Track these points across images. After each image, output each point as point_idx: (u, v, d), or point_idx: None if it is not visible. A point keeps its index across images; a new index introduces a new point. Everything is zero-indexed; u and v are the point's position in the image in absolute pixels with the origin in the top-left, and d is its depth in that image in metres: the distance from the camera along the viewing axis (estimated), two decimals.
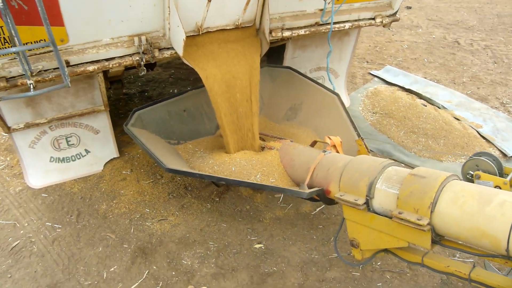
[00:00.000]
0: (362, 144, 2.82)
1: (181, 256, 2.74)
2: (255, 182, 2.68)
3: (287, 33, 3.34)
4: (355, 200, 2.16)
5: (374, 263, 2.67)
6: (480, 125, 4.15)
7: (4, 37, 2.47)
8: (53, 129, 3.31)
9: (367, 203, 2.15)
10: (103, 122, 3.48)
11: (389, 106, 4.40)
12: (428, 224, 1.89)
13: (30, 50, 2.58)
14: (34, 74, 2.60)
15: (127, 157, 3.72)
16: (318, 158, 2.56)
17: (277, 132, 3.51)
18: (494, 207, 1.74)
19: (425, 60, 6.09)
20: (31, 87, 2.53)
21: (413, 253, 2.20)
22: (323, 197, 2.44)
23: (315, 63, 4.24)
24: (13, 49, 2.25)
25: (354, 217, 2.26)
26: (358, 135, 2.95)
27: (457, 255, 2.75)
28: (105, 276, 2.62)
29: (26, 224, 3.05)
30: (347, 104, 4.58)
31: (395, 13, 3.79)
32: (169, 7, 2.77)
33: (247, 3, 2.91)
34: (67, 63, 2.69)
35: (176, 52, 2.97)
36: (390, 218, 2.05)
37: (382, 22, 3.72)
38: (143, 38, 2.89)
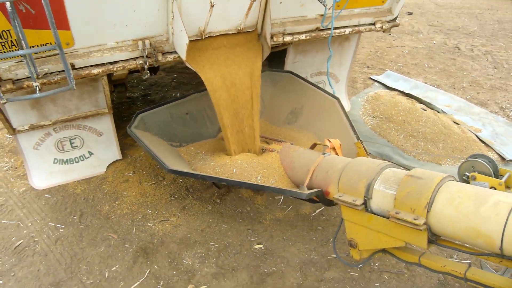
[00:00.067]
0: (361, 146, 2.87)
1: (182, 256, 2.78)
2: (255, 183, 2.72)
3: (288, 38, 3.40)
4: (354, 201, 2.21)
5: (372, 263, 2.71)
6: (479, 129, 4.20)
7: (11, 40, 2.54)
8: (57, 131, 3.37)
9: (365, 204, 2.19)
10: (107, 124, 3.53)
11: (389, 110, 4.44)
12: (425, 223, 1.93)
13: (37, 53, 2.64)
14: (40, 76, 2.66)
15: (129, 159, 3.77)
16: (318, 160, 2.60)
17: (278, 136, 3.56)
18: (489, 208, 1.78)
19: (426, 65, 6.14)
20: (37, 89, 2.58)
21: (410, 253, 2.24)
22: (322, 198, 2.48)
23: (315, 67, 4.29)
24: (21, 52, 2.31)
25: (352, 218, 2.30)
26: (357, 138, 2.99)
27: (455, 256, 2.79)
28: (107, 275, 2.66)
29: (30, 224, 3.10)
30: (347, 108, 4.63)
31: (395, 18, 3.83)
32: (172, 12, 2.82)
33: (249, 9, 2.96)
34: (73, 66, 2.74)
35: (179, 56, 3.03)
36: (388, 218, 2.09)
37: (382, 27, 3.77)
38: (147, 42, 2.94)
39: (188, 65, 2.99)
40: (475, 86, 5.41)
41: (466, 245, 2.02)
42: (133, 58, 2.96)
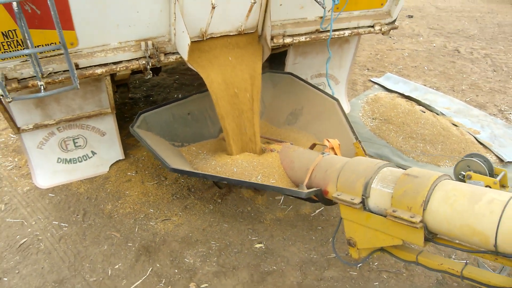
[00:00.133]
0: (359, 146, 2.91)
1: (184, 254, 2.82)
2: (256, 182, 2.76)
3: (288, 40, 3.44)
4: (352, 200, 2.24)
5: (371, 263, 2.75)
6: (478, 131, 4.24)
7: (17, 40, 2.59)
8: (61, 131, 3.41)
9: (363, 202, 2.23)
10: (110, 124, 3.58)
11: (389, 112, 4.49)
12: (421, 221, 1.97)
13: (41, 52, 2.69)
14: (44, 76, 2.71)
15: (132, 159, 3.82)
16: (317, 160, 2.65)
17: (278, 136, 3.60)
18: (483, 205, 1.82)
19: (425, 68, 6.18)
20: (42, 88, 2.63)
21: (407, 252, 2.28)
22: (321, 198, 2.52)
23: (315, 69, 4.33)
24: (26, 51, 2.36)
25: (351, 216, 2.34)
26: (356, 138, 3.03)
27: (453, 256, 2.82)
28: (109, 273, 2.70)
29: (34, 222, 3.14)
30: (347, 110, 4.67)
31: (394, 21, 3.88)
32: (175, 13, 2.87)
33: (250, 10, 3.01)
34: (76, 65, 2.79)
35: (181, 57, 3.08)
36: (385, 216, 2.13)
37: (381, 29, 3.81)
38: (149, 42, 2.99)
39: (189, 65, 3.04)
40: (474, 89, 5.45)
41: (462, 243, 2.05)
42: (136, 58, 3.00)
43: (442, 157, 3.80)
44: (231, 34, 3.22)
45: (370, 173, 2.25)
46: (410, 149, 3.95)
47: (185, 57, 2.99)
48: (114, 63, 2.95)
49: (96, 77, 3.02)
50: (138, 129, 3.16)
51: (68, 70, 2.69)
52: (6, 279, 2.67)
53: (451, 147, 3.91)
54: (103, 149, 3.67)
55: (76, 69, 2.79)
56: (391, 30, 3.93)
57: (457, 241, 2.07)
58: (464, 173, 2.23)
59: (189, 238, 2.95)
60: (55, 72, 2.78)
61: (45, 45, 2.66)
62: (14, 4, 2.19)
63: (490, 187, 2.13)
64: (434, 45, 7.24)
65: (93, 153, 3.63)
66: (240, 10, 3.07)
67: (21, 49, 2.59)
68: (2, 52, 2.57)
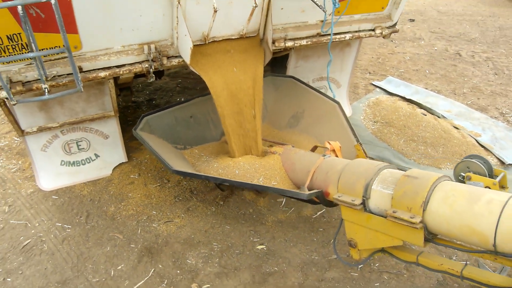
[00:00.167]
0: (360, 149, 2.93)
1: (186, 256, 2.84)
2: (257, 184, 2.79)
3: (289, 43, 3.48)
4: (352, 201, 2.27)
5: (372, 264, 2.76)
6: (479, 134, 4.25)
7: (21, 43, 2.63)
8: (64, 133, 3.45)
9: (364, 204, 2.25)
10: (113, 127, 3.61)
11: (390, 115, 4.51)
12: (421, 222, 1.98)
13: (46, 56, 2.73)
14: (49, 79, 2.75)
15: (135, 162, 3.85)
16: (318, 162, 2.67)
17: (280, 139, 3.62)
18: (482, 205, 1.83)
19: (427, 71, 6.20)
20: (46, 91, 2.67)
21: (408, 253, 2.29)
22: (322, 199, 2.54)
23: (317, 73, 4.36)
24: (31, 54, 2.40)
25: (351, 218, 2.35)
26: (357, 140, 3.05)
27: (454, 257, 2.83)
28: (112, 273, 2.73)
29: (37, 224, 3.17)
30: (349, 113, 4.69)
31: (395, 24, 3.91)
32: (177, 17, 2.91)
33: (251, 14, 3.04)
34: (80, 69, 2.83)
35: (183, 60, 3.11)
36: (385, 217, 2.15)
37: (381, 33, 3.84)
38: (152, 46, 3.03)
39: (192, 68, 3.07)
40: (475, 92, 5.47)
41: (462, 243, 2.06)
42: (139, 61, 3.04)
43: (443, 159, 3.82)
44: (233, 37, 3.25)
45: (370, 175, 2.27)
46: (411, 151, 3.96)
47: (188, 60, 3.02)
48: (118, 67, 2.99)
49: (99, 80, 3.06)
50: (141, 132, 3.19)
51: (71, 73, 2.74)
52: (9, 279, 2.69)
53: (452, 149, 3.92)
54: (106, 152, 3.70)
55: (80, 72, 2.83)
56: (392, 34, 3.96)
57: (456, 242, 2.08)
58: (463, 174, 2.24)
59: (191, 239, 2.97)
60: (59, 75, 2.82)
61: (49, 48, 2.70)
62: (19, 7, 2.23)
63: (490, 188, 2.15)
64: (436, 48, 7.26)
65: (96, 155, 3.66)
66: (242, 14, 3.10)
67: (25, 52, 2.62)
68: (7, 55, 2.61)
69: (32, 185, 3.58)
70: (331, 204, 2.59)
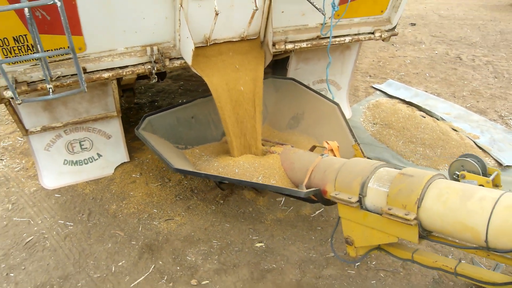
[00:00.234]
0: (358, 148, 2.98)
1: (186, 252, 2.89)
2: (256, 182, 2.84)
3: (290, 46, 3.53)
4: (349, 198, 2.31)
5: (369, 262, 2.80)
6: (477, 136, 4.29)
7: (27, 45, 2.69)
8: (67, 133, 3.51)
9: (360, 201, 2.29)
10: (115, 127, 3.67)
11: (389, 117, 4.55)
12: (415, 219, 2.03)
13: (50, 57, 2.80)
14: (53, 79, 2.81)
15: (137, 162, 3.91)
16: (316, 161, 2.72)
17: (280, 140, 3.67)
18: (475, 202, 1.88)
19: (427, 74, 6.25)
20: (50, 91, 2.73)
21: (403, 250, 2.34)
22: (320, 197, 2.58)
23: (317, 75, 4.42)
24: (37, 55, 2.46)
25: (348, 215, 2.40)
26: (355, 140, 3.10)
27: (450, 256, 2.87)
28: (113, 269, 2.78)
29: (40, 221, 3.22)
30: (349, 115, 4.74)
31: (394, 27, 3.97)
32: (179, 19, 2.97)
33: (252, 17, 3.10)
34: (84, 70, 2.89)
35: (185, 62, 3.17)
36: (381, 215, 2.19)
37: (381, 36, 3.90)
38: (155, 48, 3.09)
39: (194, 70, 3.13)
40: (475, 95, 5.51)
41: (455, 240, 2.11)
42: (142, 63, 3.10)
43: (441, 160, 3.86)
44: (234, 40, 3.32)
45: (367, 173, 2.31)
46: (410, 153, 4.01)
47: (189, 62, 3.08)
48: (121, 68, 3.05)
49: (103, 81, 3.12)
50: (143, 132, 3.25)
51: (76, 74, 2.80)
52: (12, 274, 2.75)
53: (451, 151, 3.97)
54: (108, 152, 3.76)
55: (84, 73, 2.90)
56: (393, 38, 4.02)
57: (450, 238, 2.13)
58: (458, 173, 2.29)
59: (191, 237, 3.02)
60: (63, 76, 2.89)
61: (54, 49, 2.76)
62: (26, 9, 2.30)
63: (483, 186, 2.19)
64: (436, 52, 7.31)
65: (99, 155, 3.72)
66: (243, 17, 3.16)
67: (31, 54, 2.68)
68: (13, 56, 2.68)
69: (35, 184, 3.64)
70: (329, 202, 2.63)
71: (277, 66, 4.40)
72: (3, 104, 4.98)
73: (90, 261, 2.85)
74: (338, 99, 4.45)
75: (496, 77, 6.14)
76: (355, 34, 3.84)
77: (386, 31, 3.96)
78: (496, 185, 2.22)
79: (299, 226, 3.14)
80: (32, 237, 3.07)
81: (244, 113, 3.26)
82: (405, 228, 2.10)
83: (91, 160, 3.71)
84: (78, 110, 3.43)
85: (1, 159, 4.04)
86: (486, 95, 5.51)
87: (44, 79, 2.74)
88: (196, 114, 3.68)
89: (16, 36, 2.65)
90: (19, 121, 3.24)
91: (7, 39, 2.64)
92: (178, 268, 2.77)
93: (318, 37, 3.65)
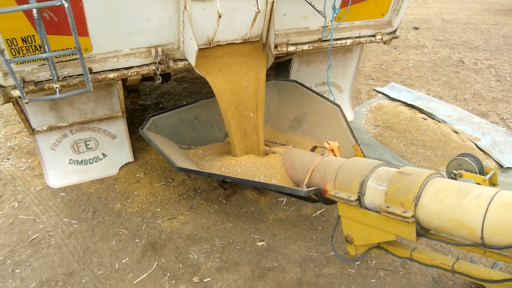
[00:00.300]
0: (358, 149, 3.02)
1: (188, 251, 2.94)
2: (258, 181, 2.88)
3: (291, 48, 3.59)
4: (348, 197, 2.35)
5: (369, 261, 2.83)
6: (479, 138, 4.32)
7: (35, 45, 2.76)
8: (73, 133, 3.57)
9: (359, 200, 2.33)
10: (120, 128, 3.73)
11: (391, 119, 4.59)
12: (412, 216, 2.06)
13: (57, 57, 2.86)
14: (60, 79, 2.88)
15: (141, 162, 3.96)
16: (317, 161, 2.76)
17: (282, 141, 3.72)
18: (471, 200, 1.91)
19: (429, 78, 6.29)
20: (57, 90, 2.80)
21: (402, 248, 2.37)
22: (320, 196, 2.62)
23: (319, 78, 4.46)
24: (44, 55, 2.53)
25: (348, 214, 2.44)
26: (356, 141, 3.14)
27: (449, 256, 2.90)
28: (117, 266, 2.82)
29: (45, 219, 3.28)
30: (351, 118, 4.79)
31: (395, 30, 4.01)
32: (183, 21, 3.03)
33: (254, 20, 3.16)
34: (90, 70, 2.95)
35: (189, 63, 3.23)
36: (380, 213, 2.23)
37: (382, 39, 3.94)
38: (159, 49, 3.15)
39: (197, 71, 3.19)
40: (477, 98, 5.54)
41: (452, 237, 2.14)
42: (146, 64, 3.16)
43: (442, 162, 3.89)
44: (237, 42, 3.37)
45: (366, 172, 2.36)
46: (411, 154, 4.04)
47: (193, 63, 3.14)
48: (126, 68, 3.11)
49: (108, 81, 3.18)
50: (148, 132, 3.30)
51: (82, 74, 2.86)
52: (18, 270, 2.80)
53: (451, 153, 4.00)
54: (113, 152, 3.81)
55: (90, 73, 2.96)
56: (396, 41, 4.06)
57: (447, 236, 2.16)
58: (455, 172, 2.32)
59: (194, 235, 3.07)
60: (69, 76, 2.95)
61: (61, 50, 2.83)
62: (34, 10, 2.37)
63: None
64: (439, 56, 7.35)
65: (104, 155, 3.78)
66: (245, 19, 3.22)
67: (39, 54, 2.75)
68: (21, 56, 2.75)
69: (41, 183, 3.70)
70: (329, 201, 2.67)
71: (280, 68, 4.45)
72: (10, 105, 5.08)
73: (94, 258, 2.89)
74: (340, 102, 4.49)
75: (498, 81, 6.16)
76: (356, 37, 3.88)
77: (387, 34, 4.00)
78: (493, 184, 2.25)
79: (300, 226, 3.18)
80: (37, 235, 3.12)
81: (246, 113, 3.31)
82: (403, 225, 2.14)
83: (96, 160, 3.77)
84: (84, 110, 3.49)
85: (7, 158, 4.11)
86: (488, 98, 5.54)
87: (51, 79, 2.80)
88: (200, 115, 3.73)
89: (24, 37, 2.72)
90: (26, 120, 3.30)
91: (15, 40, 2.71)
92: (180, 265, 2.81)
93: (320, 40, 3.70)
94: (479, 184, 2.22)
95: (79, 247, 3.00)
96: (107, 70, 3.04)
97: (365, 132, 4.50)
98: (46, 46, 2.56)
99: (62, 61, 2.92)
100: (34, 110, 3.30)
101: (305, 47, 3.65)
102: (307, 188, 2.68)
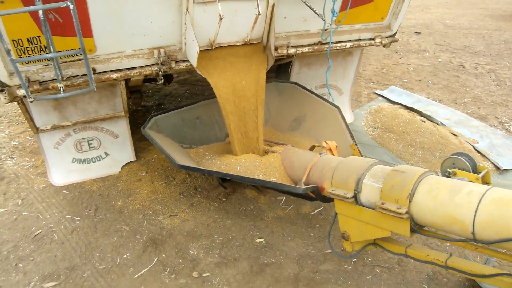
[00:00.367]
0: (356, 148, 3.08)
1: (188, 247, 2.99)
2: (257, 178, 2.94)
3: (292, 50, 3.65)
4: (345, 194, 2.41)
5: (365, 258, 2.88)
6: (477, 141, 4.36)
7: (40, 46, 2.84)
8: (76, 132, 3.64)
9: (355, 197, 2.39)
10: (123, 127, 3.80)
11: (390, 121, 4.65)
12: (407, 212, 2.12)
13: (62, 58, 2.93)
14: (64, 79, 2.95)
15: (143, 161, 4.03)
16: (314, 160, 2.82)
17: (282, 141, 3.77)
18: (462, 196, 1.97)
19: (429, 81, 6.34)
20: (61, 90, 2.87)
21: (397, 245, 2.42)
22: (318, 194, 2.68)
23: (319, 80, 4.52)
24: (50, 55, 2.60)
25: (344, 211, 2.49)
26: (353, 140, 3.20)
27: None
28: (118, 261, 2.88)
29: (48, 216, 3.34)
30: (350, 120, 4.84)
31: (394, 34, 4.07)
32: (185, 24, 3.10)
33: (255, 22, 3.23)
34: (94, 70, 3.03)
35: (191, 64, 3.30)
36: (375, 209, 2.28)
37: (381, 42, 4.00)
38: (161, 50, 3.22)
39: (198, 72, 3.26)
40: (476, 102, 5.59)
41: (445, 233, 2.19)
42: (149, 65, 3.23)
43: (439, 163, 3.93)
44: (238, 44, 3.44)
45: (362, 170, 2.41)
46: (409, 156, 4.09)
47: (194, 64, 3.20)
48: (129, 69, 3.19)
49: (111, 81, 3.25)
50: (149, 131, 3.37)
51: (86, 74, 2.94)
52: (21, 265, 2.86)
53: (449, 154, 4.03)
54: (115, 151, 3.88)
55: (94, 73, 3.03)
56: (397, 46, 4.12)
57: (440, 232, 2.21)
58: (449, 170, 2.37)
59: (194, 232, 3.13)
60: (73, 76, 3.02)
61: (66, 50, 2.90)
62: (40, 12, 2.44)
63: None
64: (440, 60, 7.40)
65: (106, 154, 3.85)
66: (246, 22, 3.29)
67: (44, 54, 2.83)
68: (27, 56, 2.82)
69: (44, 181, 3.76)
70: (326, 199, 2.72)
71: (280, 70, 4.52)
72: (14, 105, 5.17)
73: (96, 253, 2.95)
74: (340, 104, 4.54)
75: (498, 85, 6.21)
76: (356, 40, 3.95)
77: (387, 37, 4.06)
78: (486, 182, 2.31)
79: (298, 224, 3.23)
80: (40, 231, 3.19)
81: (246, 113, 3.37)
82: (397, 221, 2.19)
83: (98, 159, 3.83)
84: (87, 110, 3.56)
85: (11, 157, 4.18)
86: (488, 102, 5.59)
87: (56, 79, 2.87)
88: (201, 115, 3.80)
89: (30, 37, 2.79)
90: (30, 119, 3.37)
91: (21, 40, 2.78)
92: (180, 261, 2.87)
93: (320, 42, 3.77)
94: (472, 182, 2.27)
95: (81, 242, 3.06)
96: (111, 71, 3.11)
97: (364, 134, 4.56)
98: (51, 47, 2.64)
99: (66, 62, 2.99)
100: (38, 109, 3.37)
101: (305, 49, 3.72)
102: (305, 186, 2.74)
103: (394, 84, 6.17)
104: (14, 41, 2.76)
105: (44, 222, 3.27)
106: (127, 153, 3.96)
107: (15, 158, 4.16)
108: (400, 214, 2.12)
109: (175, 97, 5.66)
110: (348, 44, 3.91)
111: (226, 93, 3.32)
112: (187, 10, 3.03)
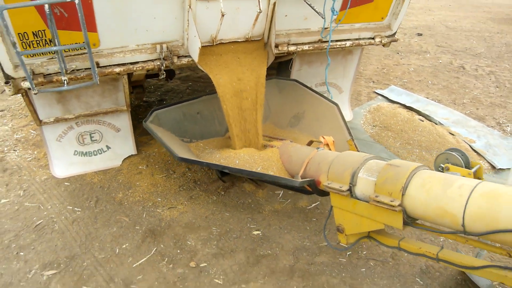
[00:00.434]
0: (352, 144, 3.13)
1: (186, 238, 3.05)
2: (255, 171, 3.00)
3: (292, 48, 3.71)
4: (340, 187, 2.46)
5: (359, 251, 2.93)
6: (474, 141, 4.41)
7: (45, 39, 2.89)
8: (79, 125, 3.70)
9: (350, 190, 2.44)
10: (125, 121, 3.86)
11: (388, 120, 4.70)
12: (400, 205, 2.17)
13: (66, 51, 2.99)
14: (68, 72, 3.01)
15: (143, 155, 4.09)
16: (312, 154, 2.87)
17: (281, 137, 3.83)
18: (454, 189, 2.02)
19: (429, 82, 6.39)
20: (65, 82, 2.93)
21: (391, 238, 2.48)
22: (314, 188, 2.73)
23: (320, 78, 4.58)
24: (55, 48, 2.67)
25: (339, 204, 2.55)
26: (350, 136, 3.26)
27: None
28: (117, 251, 2.94)
29: (49, 207, 3.40)
30: (350, 118, 4.89)
31: (394, 34, 4.12)
32: (188, 20, 3.16)
33: (256, 19, 3.28)
34: (97, 64, 3.09)
35: (192, 60, 3.36)
36: (369, 202, 2.33)
37: (381, 41, 4.06)
38: (164, 46, 3.28)
39: (200, 67, 3.32)
40: (475, 103, 5.63)
41: (436, 226, 2.24)
42: (152, 59, 3.29)
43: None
44: (239, 40, 3.50)
45: (357, 164, 2.47)
46: (407, 154, 4.14)
47: (196, 59, 3.26)
48: (132, 63, 3.24)
49: (114, 75, 3.31)
50: (151, 124, 3.43)
51: (89, 68, 3.00)
52: (22, 253, 2.92)
53: None
54: (117, 144, 3.94)
55: (97, 67, 3.09)
56: (398, 46, 4.17)
57: (432, 224, 2.26)
58: (443, 165, 2.43)
59: (192, 224, 3.19)
60: (77, 69, 3.08)
61: (70, 44, 2.96)
62: (46, 6, 2.50)
63: None
64: (440, 61, 7.45)
65: (108, 147, 3.91)
66: (248, 19, 3.34)
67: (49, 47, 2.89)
68: (32, 49, 2.88)
69: (46, 173, 3.83)
70: (322, 193, 2.77)
71: (281, 67, 4.58)
72: (17, 99, 5.23)
73: (95, 243, 3.01)
74: (340, 102, 4.59)
75: (497, 87, 6.25)
76: (356, 39, 4.00)
77: (386, 37, 4.12)
78: (478, 177, 2.35)
79: (295, 217, 3.29)
80: (41, 221, 3.25)
81: (246, 108, 3.43)
82: (390, 214, 2.25)
83: (100, 152, 3.90)
84: (90, 103, 3.62)
85: (14, 150, 4.24)
86: (486, 103, 5.63)
87: (60, 72, 2.93)
88: (202, 110, 3.86)
89: (35, 31, 2.85)
90: (34, 112, 3.43)
91: (27, 34, 2.84)
92: (178, 251, 2.93)
93: (320, 41, 3.82)
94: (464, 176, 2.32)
95: (82, 232, 3.12)
96: (114, 65, 3.17)
97: (363, 131, 4.61)
98: (56, 40, 2.70)
99: (70, 55, 3.05)
100: (42, 102, 3.43)
101: (306, 47, 3.77)
102: (302, 179, 2.79)
103: (394, 84, 6.22)
104: (20, 34, 2.82)
105: (45, 213, 3.33)
106: (128, 147, 4.02)
107: (17, 151, 4.23)
108: (393, 206, 2.17)
109: (177, 93, 5.72)
110: (348, 43, 3.96)
111: (227, 88, 3.38)
112: (190, 7, 3.09)
